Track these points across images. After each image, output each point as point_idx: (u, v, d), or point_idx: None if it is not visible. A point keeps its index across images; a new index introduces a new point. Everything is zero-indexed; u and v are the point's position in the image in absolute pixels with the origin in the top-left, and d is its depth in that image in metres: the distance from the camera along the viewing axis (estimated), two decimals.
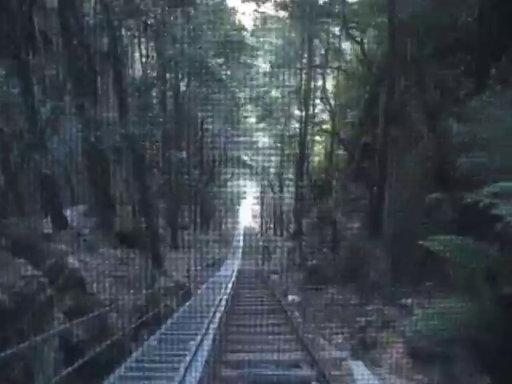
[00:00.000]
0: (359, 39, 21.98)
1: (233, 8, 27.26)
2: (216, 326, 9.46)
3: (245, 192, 37.78)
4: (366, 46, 21.79)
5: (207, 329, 9.21)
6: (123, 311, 8.28)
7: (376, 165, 22.61)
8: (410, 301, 11.39)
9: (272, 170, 35.87)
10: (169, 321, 10.07)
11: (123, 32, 20.38)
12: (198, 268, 22.74)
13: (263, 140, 33.60)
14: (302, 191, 27.79)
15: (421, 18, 14.12)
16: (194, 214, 35.23)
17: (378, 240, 16.13)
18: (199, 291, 16.73)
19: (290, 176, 32.01)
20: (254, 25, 28.37)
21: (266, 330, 9.74)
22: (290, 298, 16.46)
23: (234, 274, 22.22)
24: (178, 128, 30.32)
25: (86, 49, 16.26)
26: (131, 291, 9.87)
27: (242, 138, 32.96)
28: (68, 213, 13.29)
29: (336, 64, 26.39)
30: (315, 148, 30.29)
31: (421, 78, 14.83)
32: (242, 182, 38.12)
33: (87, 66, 15.36)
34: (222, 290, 14.86)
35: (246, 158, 35.41)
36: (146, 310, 9.46)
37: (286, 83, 26.89)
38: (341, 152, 28.16)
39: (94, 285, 8.42)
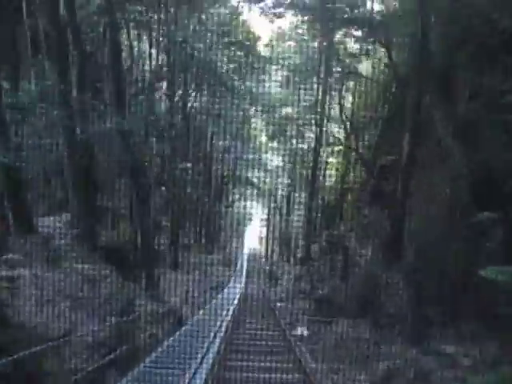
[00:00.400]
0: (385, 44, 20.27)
1: (246, 20, 25.89)
2: (205, 369, 7.34)
3: (251, 214, 35.88)
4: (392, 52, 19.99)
5: (194, 373, 7.13)
6: (76, 347, 6.27)
7: (395, 186, 20.74)
8: (451, 348, 9.16)
9: (280, 192, 34.06)
10: (146, 359, 7.98)
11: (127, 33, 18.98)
12: (199, 291, 20.74)
13: (273, 159, 31.79)
14: (311, 214, 25.81)
15: (457, 21, 12.47)
16: (198, 233, 33.43)
17: (397, 268, 14.10)
18: (195, 318, 14.67)
19: (300, 198, 30.09)
20: (270, 39, 26.94)
21: (270, 376, 7.66)
22: (299, 330, 14.33)
23: (237, 299, 20.15)
24: (184, 140, 28.77)
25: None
26: (98, 318, 7.87)
27: (251, 156, 31.24)
28: (47, 220, 11.49)
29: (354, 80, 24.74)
30: (327, 170, 28.35)
31: (454, 86, 13.08)
32: (249, 204, 36.25)
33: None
34: (221, 318, 12.79)
35: (254, 178, 33.68)
36: (116, 345, 7.43)
37: (301, 99, 25.23)
38: (354, 174, 26.34)
39: (40, 309, 6.45)
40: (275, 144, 30.77)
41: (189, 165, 30.26)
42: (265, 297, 22.37)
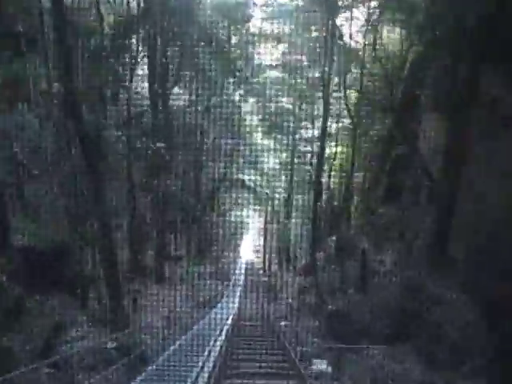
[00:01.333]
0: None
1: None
2: None
3: (247, 222, 31.96)
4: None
5: None
6: None
7: (417, 179, 17.17)
8: None
9: (278, 196, 30.33)
10: None
11: None
12: (184, 309, 16.83)
13: (269, 159, 28.05)
14: (316, 217, 22.03)
15: None
16: (189, 244, 29.56)
17: (448, 274, 10.33)
18: (166, 354, 10.45)
19: (300, 201, 26.28)
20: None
21: None
22: (317, 365, 10.21)
23: (231, 318, 16.29)
24: (170, 141, 25.09)
25: None
26: None
27: (245, 156, 27.48)
28: None
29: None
30: (333, 165, 24.55)
31: None
32: (244, 211, 32.33)
33: None
34: (206, 354, 8.80)
35: (249, 182, 29.93)
36: None
37: (301, 87, 21.66)
38: (364, 169, 22.58)
39: None
40: (271, 141, 27.01)
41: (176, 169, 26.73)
42: (264, 314, 18.50)
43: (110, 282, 12.92)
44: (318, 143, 24.28)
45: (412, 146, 18.16)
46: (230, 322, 16.32)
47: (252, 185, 30.01)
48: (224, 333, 13.75)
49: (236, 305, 19.35)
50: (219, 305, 18.58)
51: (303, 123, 24.53)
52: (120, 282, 13.81)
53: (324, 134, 22.08)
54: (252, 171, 28.46)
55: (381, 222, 18.87)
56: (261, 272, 30.97)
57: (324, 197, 24.50)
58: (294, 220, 27.36)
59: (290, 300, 20.02)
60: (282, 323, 16.49)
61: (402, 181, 18.58)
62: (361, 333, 12.77)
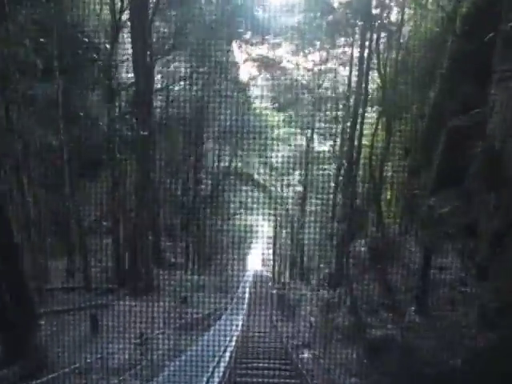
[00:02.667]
0: None
1: None
2: None
3: (256, 226, 26.86)
4: None
5: None
6: None
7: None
8: None
9: (291, 194, 25.34)
10: None
11: None
12: (167, 331, 11.83)
13: (283, 147, 23.05)
14: (345, 214, 17.08)
15: None
16: (187, 250, 24.65)
17: None
18: None
19: (319, 198, 21.24)
20: None
21: None
22: None
23: (233, 346, 11.23)
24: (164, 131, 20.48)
25: None
26: None
27: (252, 146, 22.54)
28: None
29: None
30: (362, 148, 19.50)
31: None
32: (253, 215, 27.23)
33: None
34: None
35: (258, 176, 24.99)
36: None
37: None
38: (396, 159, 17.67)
39: None
40: (285, 124, 22.04)
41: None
42: (278, 339, 13.42)
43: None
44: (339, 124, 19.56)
45: (477, 115, 13.24)
46: (234, 344, 11.41)
47: (261, 180, 25.12)
48: (232, 349, 8.96)
49: (240, 327, 14.29)
50: (217, 325, 13.46)
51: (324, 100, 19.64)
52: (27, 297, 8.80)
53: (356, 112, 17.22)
54: (262, 163, 23.56)
55: (434, 215, 13.78)
56: (272, 283, 25.92)
57: (348, 191, 19.50)
58: (311, 219, 22.29)
59: (313, 319, 14.92)
60: (305, 355, 11.44)
61: (462, 161, 13.57)
62: (439, 376, 7.74)
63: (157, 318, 12.41)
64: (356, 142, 18.13)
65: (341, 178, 20.98)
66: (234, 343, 11.69)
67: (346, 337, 12.38)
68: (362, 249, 16.13)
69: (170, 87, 21.11)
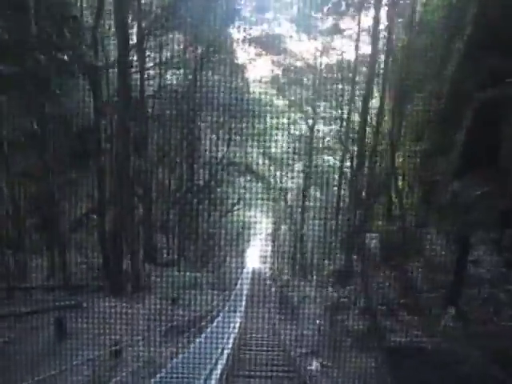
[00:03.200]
0: None
1: None
2: None
3: (254, 223, 24.88)
4: None
5: None
6: None
7: None
8: None
9: (292, 184, 23.36)
10: None
11: None
12: (149, 338, 9.87)
13: (283, 134, 21.04)
14: (354, 205, 15.18)
15: None
16: (182, 247, 22.71)
17: None
18: None
19: (323, 187, 19.30)
20: None
21: None
22: None
23: (227, 356, 9.29)
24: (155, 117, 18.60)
25: None
26: None
27: (251, 132, 20.51)
28: None
29: None
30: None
31: None
32: (251, 211, 25.24)
33: None
34: None
35: (256, 167, 22.97)
36: None
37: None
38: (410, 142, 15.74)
39: None
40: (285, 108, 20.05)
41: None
42: (280, 346, 11.48)
43: None
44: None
45: (509, 86, 11.34)
46: (230, 352, 9.53)
47: (260, 171, 23.15)
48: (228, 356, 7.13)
49: (236, 330, 12.34)
50: (210, 329, 11.49)
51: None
52: None
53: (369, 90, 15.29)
54: (261, 151, 21.58)
55: (460, 202, 11.88)
56: (272, 281, 24.05)
57: (358, 179, 17.57)
58: (313, 214, 20.34)
59: (319, 321, 12.96)
60: (314, 365, 9.53)
61: (492, 139, 11.68)
62: None
63: (139, 321, 10.53)
64: (366, 126, 16.28)
65: (347, 166, 19.14)
66: (229, 351, 9.78)
67: (361, 343, 10.45)
68: (374, 241, 14.19)
69: (162, 70, 19.17)
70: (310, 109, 18.99)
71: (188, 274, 19.23)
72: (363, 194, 17.48)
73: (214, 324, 12.41)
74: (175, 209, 22.52)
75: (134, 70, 17.47)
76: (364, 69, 17.03)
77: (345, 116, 18.03)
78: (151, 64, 18.38)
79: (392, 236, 13.58)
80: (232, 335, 10.94)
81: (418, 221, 13.56)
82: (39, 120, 15.59)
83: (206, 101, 18.97)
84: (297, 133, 20.53)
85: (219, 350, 9.24)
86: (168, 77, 19.31)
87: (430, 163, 14.73)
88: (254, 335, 12.22)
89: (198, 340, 9.86)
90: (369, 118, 16.14)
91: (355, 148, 17.51)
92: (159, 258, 20.99)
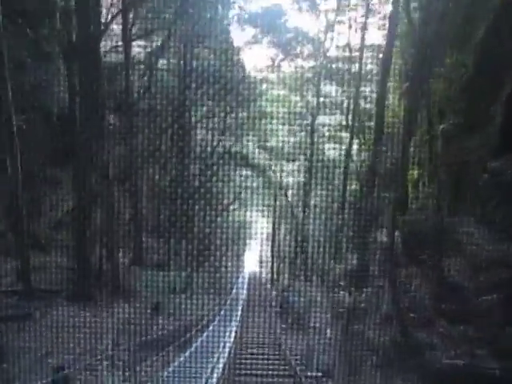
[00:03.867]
0: None
1: None
2: None
3: (252, 223, 22.57)
4: None
5: None
6: None
7: None
8: None
9: (292, 179, 21.07)
10: None
11: None
12: (108, 361, 7.46)
13: (283, 122, 18.70)
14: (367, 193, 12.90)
15: None
16: (173, 248, 20.46)
17: None
18: None
19: (328, 179, 16.92)
20: None
21: None
22: None
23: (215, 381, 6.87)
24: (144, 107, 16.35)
25: None
26: None
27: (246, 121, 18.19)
28: None
29: None
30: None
31: None
32: (248, 209, 22.88)
33: None
34: None
35: (253, 159, 20.65)
36: None
37: None
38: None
39: None
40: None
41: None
42: (285, 365, 9.06)
43: None
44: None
45: None
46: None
47: (258, 164, 20.89)
48: None
49: (230, 343, 9.92)
50: (196, 345, 9.04)
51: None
52: None
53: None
54: (258, 142, 19.30)
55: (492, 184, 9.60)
56: (272, 284, 21.73)
57: (372, 168, 15.23)
58: (317, 210, 18.01)
59: (327, 332, 10.51)
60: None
61: None
62: None
63: (103, 335, 8.13)
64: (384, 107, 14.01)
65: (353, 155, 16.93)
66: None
67: (387, 361, 8.06)
68: (395, 236, 11.81)
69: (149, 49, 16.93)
70: (311, 96, 16.78)
71: (178, 277, 16.97)
72: (375, 184, 15.19)
73: (203, 337, 9.99)
74: (166, 207, 20.39)
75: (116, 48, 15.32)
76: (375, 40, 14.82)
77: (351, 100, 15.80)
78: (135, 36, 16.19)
79: (417, 228, 11.25)
80: (222, 354, 8.50)
81: (448, 209, 11.24)
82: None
83: (197, 87, 16.77)
84: (297, 120, 18.32)
85: (205, 375, 6.85)
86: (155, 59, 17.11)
87: (457, 142, 12.45)
88: (252, 352, 9.81)
89: (177, 360, 7.43)
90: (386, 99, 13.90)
91: (364, 136, 15.28)
92: (148, 260, 18.88)
